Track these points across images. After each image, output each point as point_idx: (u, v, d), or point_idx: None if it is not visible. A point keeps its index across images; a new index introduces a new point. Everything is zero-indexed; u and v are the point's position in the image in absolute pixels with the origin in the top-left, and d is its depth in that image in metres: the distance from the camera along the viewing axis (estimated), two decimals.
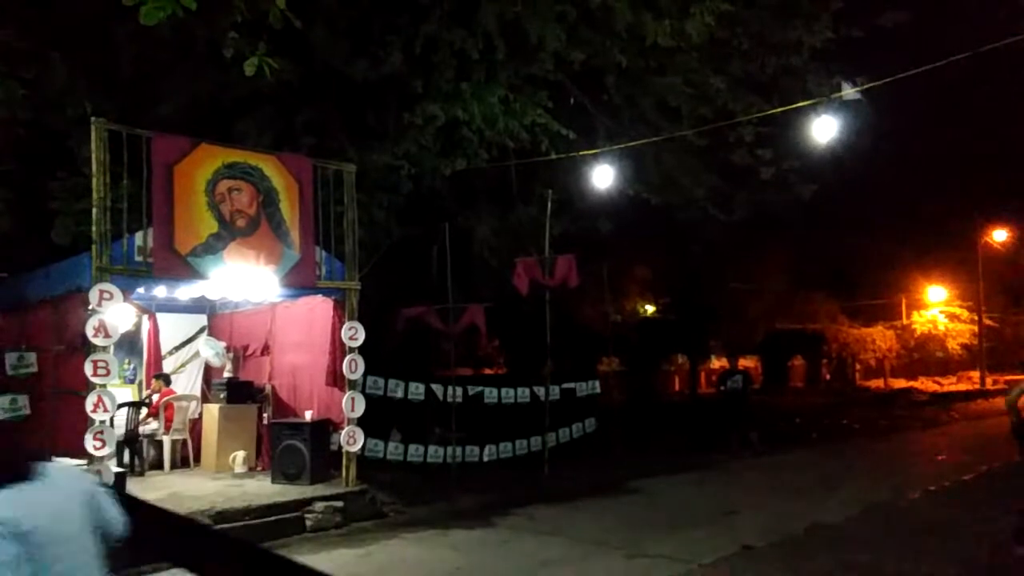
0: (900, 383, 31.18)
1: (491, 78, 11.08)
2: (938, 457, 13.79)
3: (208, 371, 11.68)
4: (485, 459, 11.40)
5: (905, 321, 34.76)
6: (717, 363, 27.59)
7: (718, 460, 13.08)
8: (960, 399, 26.00)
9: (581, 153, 11.72)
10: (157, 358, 10.97)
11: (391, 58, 10.61)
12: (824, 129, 9.98)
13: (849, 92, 9.35)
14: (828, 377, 31.25)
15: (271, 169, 8.78)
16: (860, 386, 31.07)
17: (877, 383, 31.89)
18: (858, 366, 32.77)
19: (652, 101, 12.38)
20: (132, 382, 10.94)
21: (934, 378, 33.47)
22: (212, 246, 8.19)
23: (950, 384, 31.96)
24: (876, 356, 32.31)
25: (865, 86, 9.38)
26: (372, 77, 10.87)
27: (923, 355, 34.22)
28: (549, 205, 11.64)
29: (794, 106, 10.77)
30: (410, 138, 11.04)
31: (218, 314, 11.84)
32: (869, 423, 19.22)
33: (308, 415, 9.82)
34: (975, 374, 32.75)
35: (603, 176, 11.67)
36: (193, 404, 11.11)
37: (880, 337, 32.06)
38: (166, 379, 10.61)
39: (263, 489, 9.13)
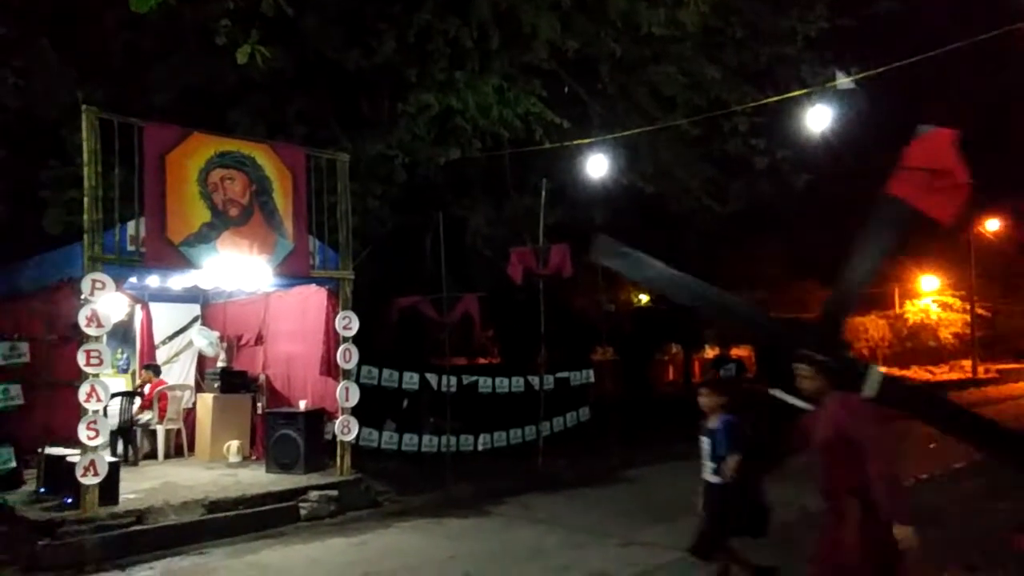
0: (893, 372, 31.30)
1: (485, 67, 11.04)
2: (930, 445, 13.85)
3: (202, 361, 11.67)
4: (479, 448, 11.42)
5: (898, 310, 34.90)
6: (711, 352, 27.64)
7: None
8: (952, 388, 26.13)
9: (575, 142, 11.68)
10: (150, 348, 10.96)
11: (384, 47, 10.56)
12: (818, 118, 9.96)
13: (843, 81, 9.33)
14: None
15: (264, 158, 8.75)
16: None
17: None
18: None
19: (646, 90, 12.36)
20: (125, 372, 10.93)
21: (926, 367, 33.62)
22: (205, 235, 8.16)
23: (942, 373, 32.12)
24: (869, 345, 32.43)
25: (859, 75, 9.37)
26: (365, 66, 10.82)
27: (916, 344, 34.36)
28: (543, 194, 11.62)
29: (788, 95, 10.76)
30: (404, 127, 11.00)
31: (211, 304, 11.81)
32: None
33: (302, 405, 9.82)
34: (967, 363, 32.91)
35: (597, 166, 11.64)
36: (187, 394, 11.10)
37: (873, 326, 32.18)
38: (156, 370, 10.59)
39: (257, 478, 9.14)
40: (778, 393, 4.25)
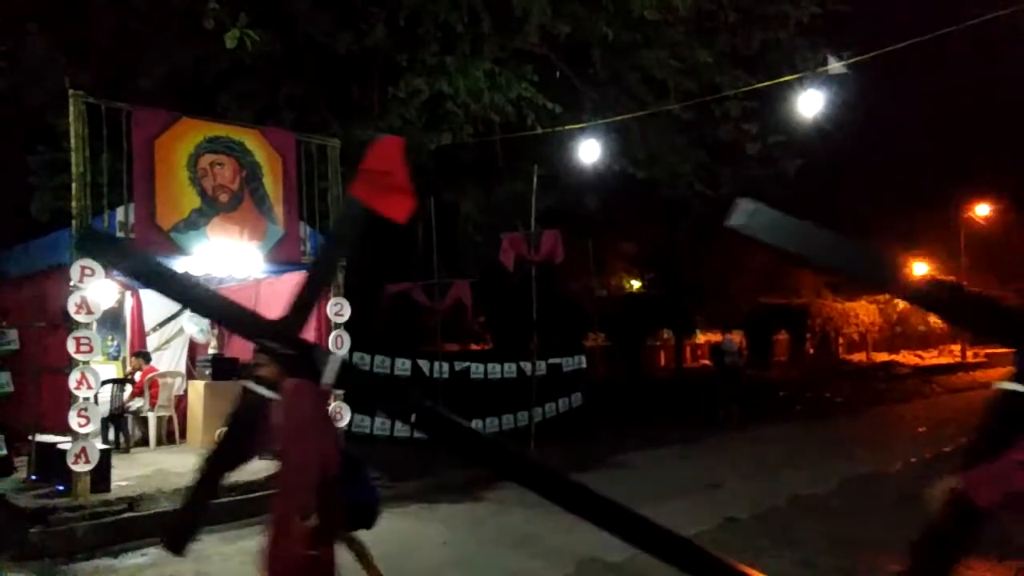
0: (882, 357, 31.51)
1: (476, 51, 10.98)
2: (919, 429, 13.96)
3: (193, 348, 11.62)
4: None
5: (887, 295, 35.04)
6: (702, 338, 27.75)
7: (702, 434, 13.18)
8: (941, 372, 26.35)
9: (567, 127, 11.66)
10: (141, 335, 10.89)
11: (375, 31, 10.48)
12: (810, 103, 9.97)
13: (835, 66, 9.32)
14: (812, 351, 31.53)
15: (254, 143, 8.68)
16: (843, 360, 31.38)
17: (860, 357, 32.21)
18: (841, 340, 33.05)
19: (638, 75, 12.32)
20: (116, 359, 10.87)
21: (916, 352, 33.84)
22: (195, 222, 8.11)
23: (931, 358, 32.34)
24: (859, 330, 32.60)
25: (851, 60, 9.36)
26: (356, 50, 10.74)
27: (905, 329, 34.57)
28: (535, 180, 11.59)
29: (780, 80, 10.75)
30: (394, 112, 10.94)
31: None
32: (851, 396, 19.43)
33: None
34: (956, 347, 33.15)
35: (589, 151, 11.63)
36: (178, 381, 11.06)
37: (863, 311, 32.33)
38: (146, 357, 10.54)
39: (248, 465, 9.10)
40: (250, 384, 4.11)
